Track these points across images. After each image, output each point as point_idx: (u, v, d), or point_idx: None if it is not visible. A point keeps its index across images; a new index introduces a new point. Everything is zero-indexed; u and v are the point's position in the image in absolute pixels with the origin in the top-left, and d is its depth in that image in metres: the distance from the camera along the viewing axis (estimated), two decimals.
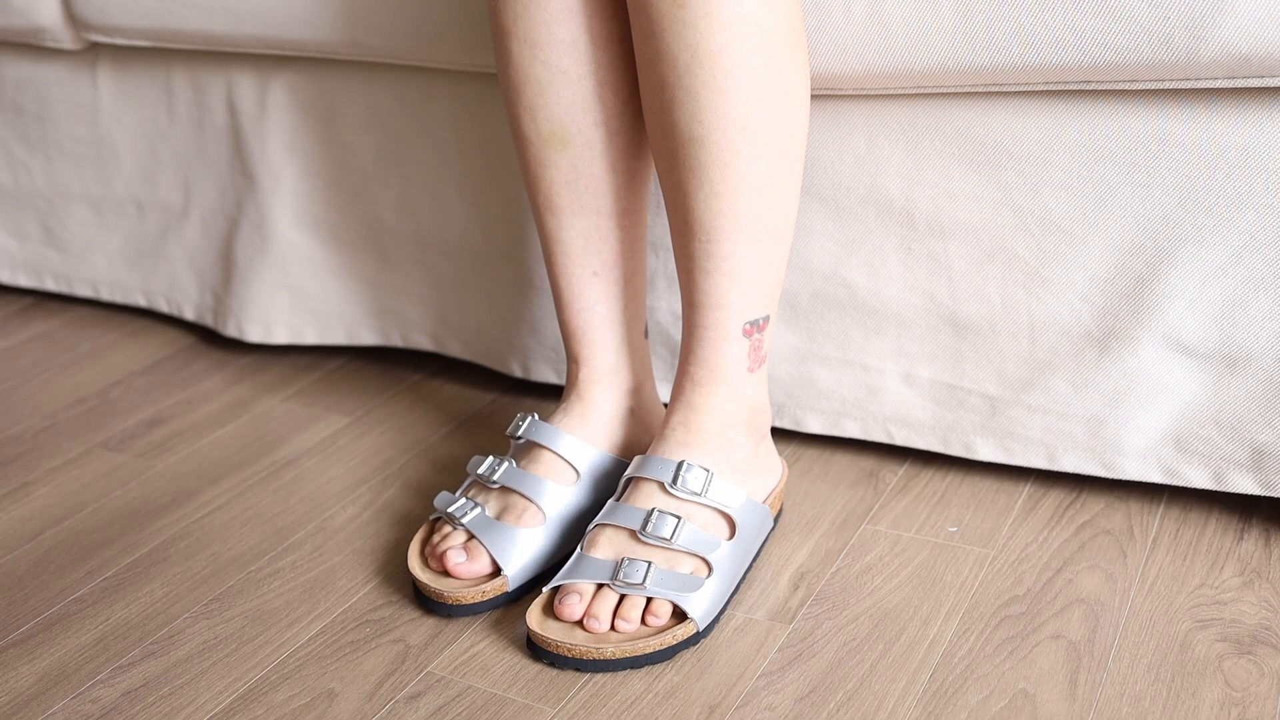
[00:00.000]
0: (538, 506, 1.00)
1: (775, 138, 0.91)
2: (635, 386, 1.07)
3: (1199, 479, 1.02)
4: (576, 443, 1.03)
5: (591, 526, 0.96)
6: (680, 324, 1.17)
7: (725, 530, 0.96)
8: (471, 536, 0.99)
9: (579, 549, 0.95)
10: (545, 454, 1.03)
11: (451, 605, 0.96)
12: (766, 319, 0.98)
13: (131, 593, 1.02)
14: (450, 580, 0.97)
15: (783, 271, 0.98)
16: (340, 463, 1.19)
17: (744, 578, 0.98)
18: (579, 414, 1.05)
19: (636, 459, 0.98)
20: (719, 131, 0.90)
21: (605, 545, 0.94)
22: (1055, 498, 1.08)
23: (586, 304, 1.04)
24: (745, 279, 0.95)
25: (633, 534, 0.94)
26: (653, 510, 0.94)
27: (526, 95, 0.98)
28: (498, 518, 1.00)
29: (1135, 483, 1.08)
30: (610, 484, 1.04)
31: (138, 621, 0.98)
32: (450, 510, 1.00)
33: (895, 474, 1.12)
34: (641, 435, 1.08)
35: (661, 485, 0.95)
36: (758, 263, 0.95)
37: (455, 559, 0.97)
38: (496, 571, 0.98)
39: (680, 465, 0.96)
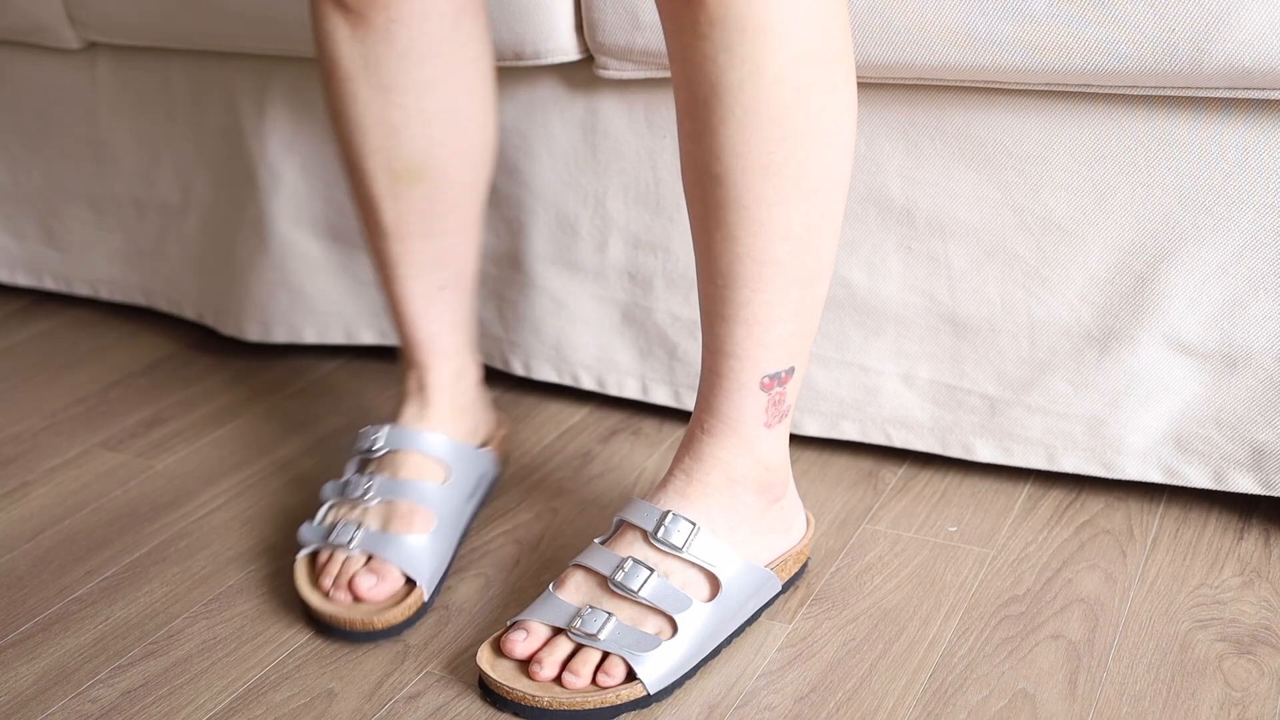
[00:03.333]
0: (426, 509, 0.98)
1: (806, 176, 0.82)
2: (476, 379, 1.09)
3: (1199, 478, 1.02)
4: (441, 439, 1.03)
5: (569, 564, 0.91)
6: (677, 326, 1.17)
7: (705, 591, 0.89)
8: (370, 557, 0.96)
9: (550, 586, 0.91)
10: (413, 458, 1.01)
11: (380, 630, 0.93)
12: (790, 371, 0.89)
13: (131, 592, 1.02)
14: (363, 606, 0.94)
15: (814, 319, 0.89)
16: (340, 462, 1.19)
17: (729, 642, 0.92)
18: (433, 415, 1.04)
19: (631, 501, 0.93)
20: (737, 171, 0.81)
21: (573, 588, 0.89)
22: (1055, 498, 1.08)
23: (435, 316, 1.03)
24: (764, 329, 0.86)
25: (603, 581, 0.89)
26: (627, 559, 0.88)
27: (376, 138, 0.94)
28: (384, 530, 0.97)
29: (1135, 483, 1.08)
30: (476, 473, 1.05)
31: (137, 621, 0.98)
32: (333, 539, 0.96)
33: (895, 474, 1.12)
34: (482, 419, 1.10)
35: (645, 534, 0.89)
36: (781, 312, 0.86)
37: (367, 583, 0.94)
38: (409, 584, 0.96)
39: (665, 515, 0.89)
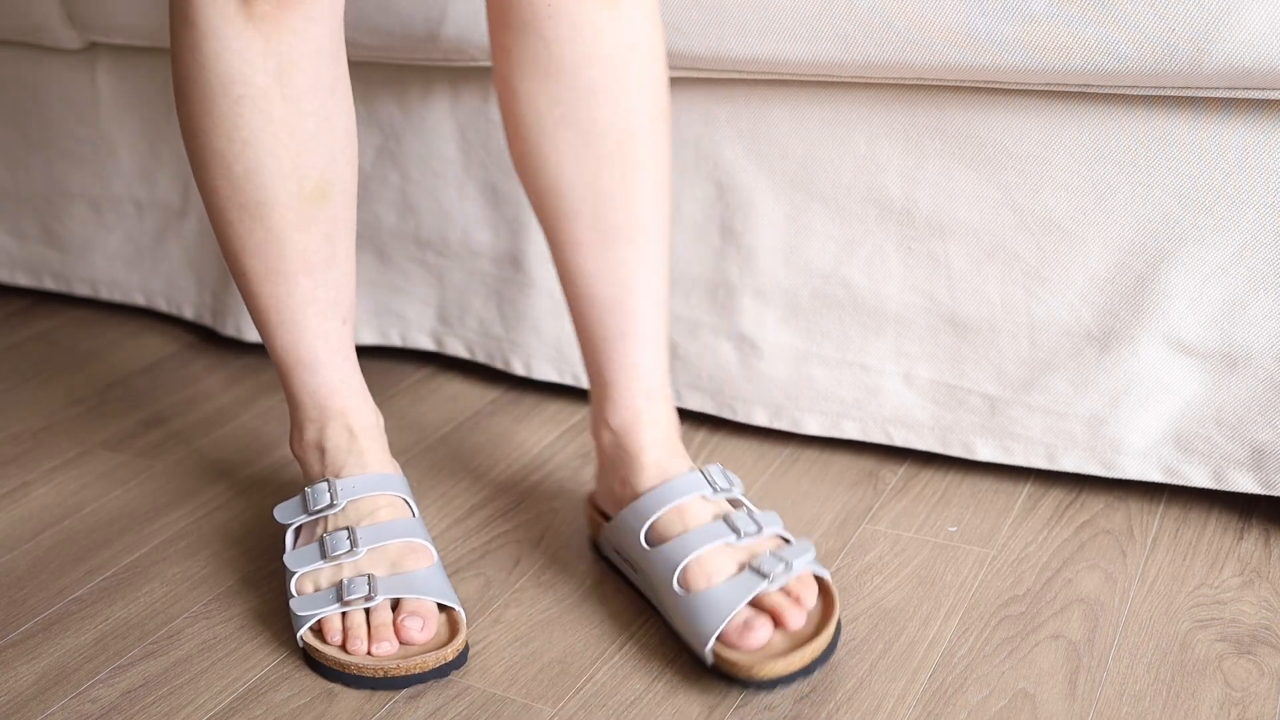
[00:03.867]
0: (421, 543, 0.95)
1: (669, 119, 0.94)
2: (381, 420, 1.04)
3: (1199, 478, 1.02)
4: (401, 478, 0.99)
5: (681, 569, 0.89)
6: (677, 326, 1.17)
7: None
8: (397, 603, 0.92)
9: (692, 589, 0.88)
10: (381, 500, 0.97)
11: (453, 661, 0.90)
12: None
13: (131, 593, 1.02)
14: (415, 649, 0.90)
15: None
16: None
17: None
18: (375, 457, 0.99)
19: (632, 506, 0.94)
20: (656, 119, 0.91)
21: (718, 569, 0.89)
22: (1055, 497, 1.08)
23: (344, 355, 0.99)
24: (668, 269, 0.97)
25: (729, 546, 0.90)
26: (722, 516, 0.92)
27: (288, 159, 0.90)
28: (398, 573, 0.93)
29: (1135, 482, 1.08)
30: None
31: (137, 621, 0.98)
32: (347, 597, 0.91)
33: (895, 474, 1.12)
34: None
35: (702, 498, 0.93)
36: (668, 251, 0.96)
37: (416, 626, 0.90)
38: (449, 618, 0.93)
39: (705, 472, 0.94)
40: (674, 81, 1.10)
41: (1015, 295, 1.04)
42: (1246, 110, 0.93)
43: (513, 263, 1.23)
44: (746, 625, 0.86)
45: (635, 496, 0.95)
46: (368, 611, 0.92)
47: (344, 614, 0.92)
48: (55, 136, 1.46)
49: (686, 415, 1.22)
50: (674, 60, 1.06)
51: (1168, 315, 1.00)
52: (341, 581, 0.92)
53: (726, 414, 1.17)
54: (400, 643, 0.91)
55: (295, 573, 0.94)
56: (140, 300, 1.49)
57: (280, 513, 0.98)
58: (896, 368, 1.10)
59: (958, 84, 1.00)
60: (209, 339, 1.46)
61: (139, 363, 1.41)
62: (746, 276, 1.13)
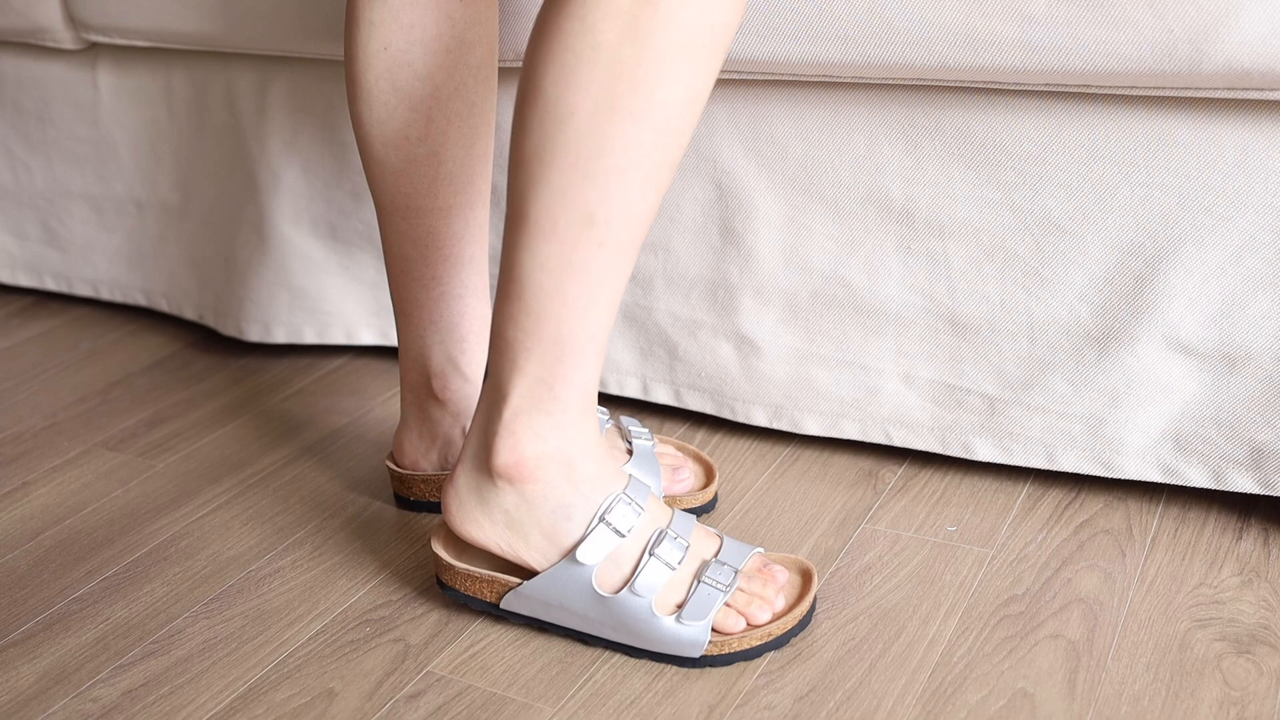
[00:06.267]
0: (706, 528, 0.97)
1: None
2: None
3: (1198, 478, 1.02)
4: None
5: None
6: (678, 325, 1.17)
7: None
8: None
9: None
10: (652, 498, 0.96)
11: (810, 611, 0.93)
12: None
13: (132, 592, 1.02)
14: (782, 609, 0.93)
15: None
16: (340, 462, 1.19)
17: None
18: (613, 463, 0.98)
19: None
20: None
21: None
22: (1054, 497, 1.08)
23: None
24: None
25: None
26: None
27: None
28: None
29: (1134, 482, 1.08)
30: None
31: (138, 621, 0.98)
32: (729, 584, 0.92)
33: (894, 473, 1.12)
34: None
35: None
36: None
37: (782, 579, 0.94)
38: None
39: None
40: None
41: (1015, 295, 1.04)
42: (1245, 111, 0.93)
43: None
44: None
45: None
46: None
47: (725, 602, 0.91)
48: (56, 137, 1.46)
49: (686, 415, 1.23)
50: None
51: (1167, 315, 1.00)
52: (702, 575, 0.91)
53: (726, 414, 1.17)
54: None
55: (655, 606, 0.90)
56: (141, 300, 1.49)
57: (587, 556, 0.90)
58: (896, 368, 1.10)
59: (957, 84, 1.00)
60: (209, 339, 1.46)
61: (140, 363, 1.41)
62: (746, 276, 1.13)
